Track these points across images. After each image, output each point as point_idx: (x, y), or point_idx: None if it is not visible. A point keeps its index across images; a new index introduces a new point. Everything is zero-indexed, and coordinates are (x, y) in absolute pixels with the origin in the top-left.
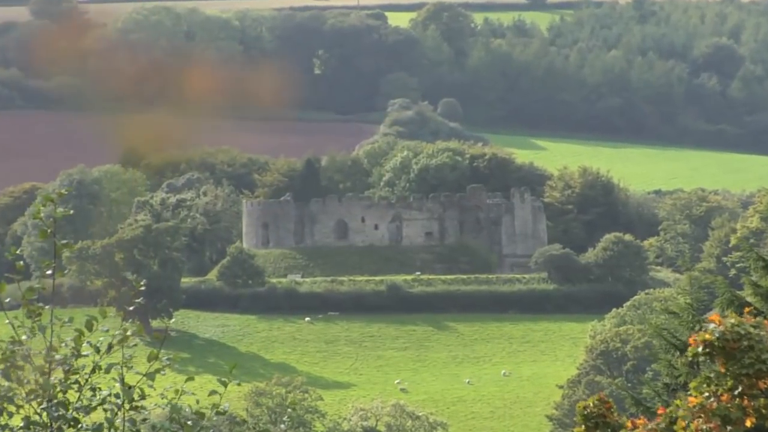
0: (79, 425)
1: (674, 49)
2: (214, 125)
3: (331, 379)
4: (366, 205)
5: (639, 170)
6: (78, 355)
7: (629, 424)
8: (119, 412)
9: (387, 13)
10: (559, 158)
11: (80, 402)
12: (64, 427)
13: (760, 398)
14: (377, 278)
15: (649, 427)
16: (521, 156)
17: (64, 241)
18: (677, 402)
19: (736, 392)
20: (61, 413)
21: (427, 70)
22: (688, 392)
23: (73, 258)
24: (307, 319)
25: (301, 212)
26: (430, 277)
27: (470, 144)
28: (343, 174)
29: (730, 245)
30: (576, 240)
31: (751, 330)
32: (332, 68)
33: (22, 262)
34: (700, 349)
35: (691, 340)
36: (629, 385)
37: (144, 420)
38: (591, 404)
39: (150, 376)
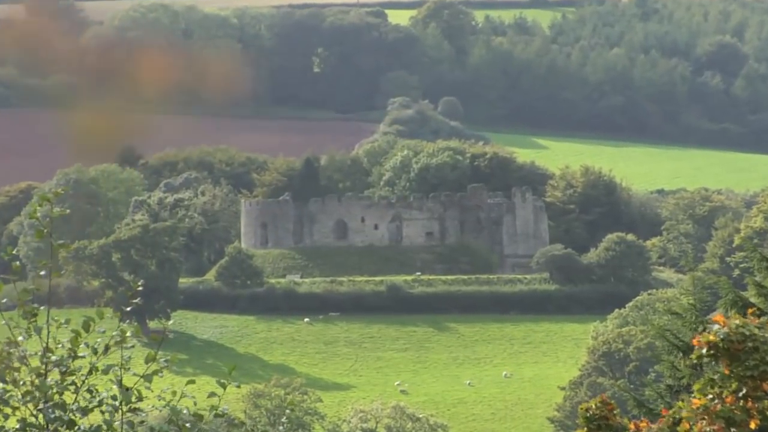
0: (76, 427)
1: (677, 47)
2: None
3: (331, 381)
4: (366, 205)
5: (641, 169)
6: (75, 356)
7: (632, 427)
8: (117, 414)
9: (387, 11)
10: (561, 157)
11: (77, 404)
12: (61, 429)
13: (765, 400)
14: (377, 279)
15: (652, 429)
16: (522, 155)
17: (61, 241)
18: (680, 404)
19: (740, 394)
20: (57, 415)
21: (428, 69)
22: (692, 394)
23: (69, 258)
24: (306, 319)
25: (300, 212)
26: (431, 277)
27: (471, 143)
28: (342, 173)
29: (734, 245)
30: (578, 240)
31: (756, 331)
32: (332, 66)
33: (18, 263)
34: (704, 351)
35: (695, 342)
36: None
37: (142, 422)
38: (593, 406)
39: (147, 377)
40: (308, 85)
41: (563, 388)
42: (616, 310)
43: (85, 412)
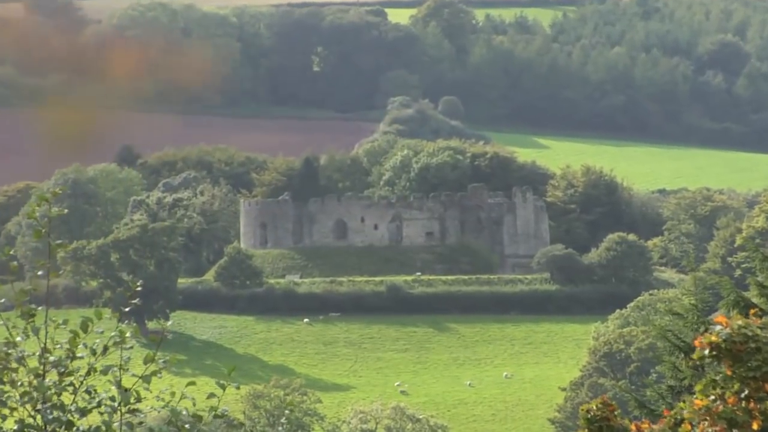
0: (74, 428)
1: (679, 46)
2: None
3: (330, 381)
4: (365, 205)
5: (643, 169)
6: (73, 357)
7: (633, 428)
8: (115, 415)
9: (387, 10)
10: (562, 157)
11: (75, 404)
12: (59, 430)
13: (767, 401)
14: (377, 279)
15: (654, 430)
16: (523, 155)
17: (59, 241)
18: (682, 404)
19: (742, 395)
20: (55, 416)
21: (428, 68)
22: (693, 395)
23: (68, 258)
24: (305, 320)
25: (300, 212)
26: (431, 277)
27: (471, 142)
28: (342, 173)
29: (736, 245)
30: (579, 240)
31: (758, 332)
32: (331, 65)
33: (16, 263)
34: (706, 352)
35: (697, 343)
36: (633, 387)
37: (140, 423)
38: (594, 407)
39: (146, 378)
40: (308, 84)
41: (564, 389)
42: (618, 310)
43: (83, 413)
